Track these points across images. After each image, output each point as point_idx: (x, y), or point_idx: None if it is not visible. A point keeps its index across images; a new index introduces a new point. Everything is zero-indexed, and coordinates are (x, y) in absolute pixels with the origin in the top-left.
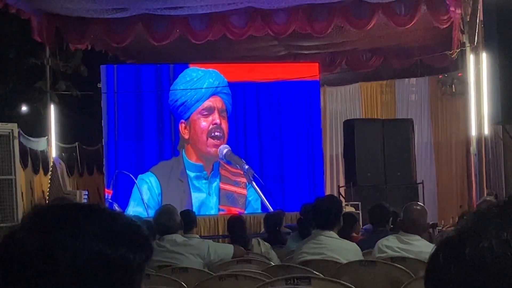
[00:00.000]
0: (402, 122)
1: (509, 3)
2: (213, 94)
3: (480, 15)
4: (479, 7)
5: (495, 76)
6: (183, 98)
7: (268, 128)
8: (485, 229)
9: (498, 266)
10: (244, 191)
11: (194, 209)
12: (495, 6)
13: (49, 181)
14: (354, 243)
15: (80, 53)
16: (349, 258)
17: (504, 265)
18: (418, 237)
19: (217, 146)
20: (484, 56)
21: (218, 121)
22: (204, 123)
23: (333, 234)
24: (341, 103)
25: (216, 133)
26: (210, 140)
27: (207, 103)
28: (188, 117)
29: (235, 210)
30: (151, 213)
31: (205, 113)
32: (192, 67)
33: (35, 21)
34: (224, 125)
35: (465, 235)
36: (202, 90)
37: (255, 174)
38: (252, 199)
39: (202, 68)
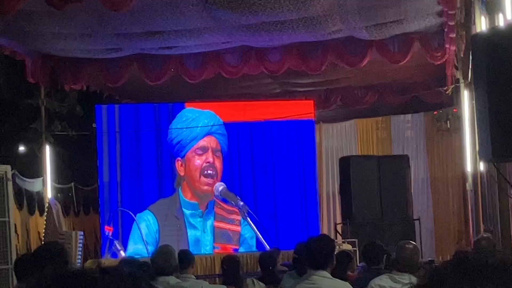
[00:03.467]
0: (397, 159)
1: (498, 39)
2: (208, 134)
3: None
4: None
5: (485, 113)
6: (179, 137)
7: (262, 166)
8: (441, 285)
9: None
10: (238, 228)
11: (190, 245)
12: (484, 41)
13: (45, 222)
14: (347, 283)
15: (76, 94)
16: None
17: None
18: (411, 276)
19: (209, 184)
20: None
21: (211, 159)
22: (198, 161)
23: (326, 274)
24: (337, 140)
25: (209, 171)
26: (203, 178)
27: (202, 142)
28: (184, 155)
29: (230, 247)
30: (151, 249)
31: (199, 152)
32: (188, 107)
33: (29, 62)
34: (218, 164)
35: None
36: (197, 129)
37: (249, 210)
38: (247, 236)
39: (199, 109)
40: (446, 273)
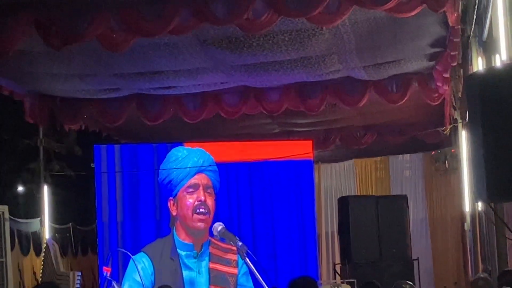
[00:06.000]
0: (396, 199)
1: (493, 79)
2: (198, 172)
3: None
4: None
5: (480, 154)
6: (170, 177)
7: (261, 206)
8: None
9: None
10: (235, 270)
11: (185, 287)
12: (479, 81)
13: (42, 262)
14: None
15: (74, 134)
16: None
17: None
18: None
19: (202, 220)
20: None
21: (202, 198)
22: (189, 200)
23: None
24: (336, 180)
25: (201, 210)
26: (196, 216)
27: (192, 180)
28: (175, 195)
29: None
30: None
31: (190, 190)
32: (187, 147)
33: (28, 102)
34: (210, 202)
35: None
36: (187, 169)
37: (248, 250)
38: (245, 275)
39: (188, 147)
40: None
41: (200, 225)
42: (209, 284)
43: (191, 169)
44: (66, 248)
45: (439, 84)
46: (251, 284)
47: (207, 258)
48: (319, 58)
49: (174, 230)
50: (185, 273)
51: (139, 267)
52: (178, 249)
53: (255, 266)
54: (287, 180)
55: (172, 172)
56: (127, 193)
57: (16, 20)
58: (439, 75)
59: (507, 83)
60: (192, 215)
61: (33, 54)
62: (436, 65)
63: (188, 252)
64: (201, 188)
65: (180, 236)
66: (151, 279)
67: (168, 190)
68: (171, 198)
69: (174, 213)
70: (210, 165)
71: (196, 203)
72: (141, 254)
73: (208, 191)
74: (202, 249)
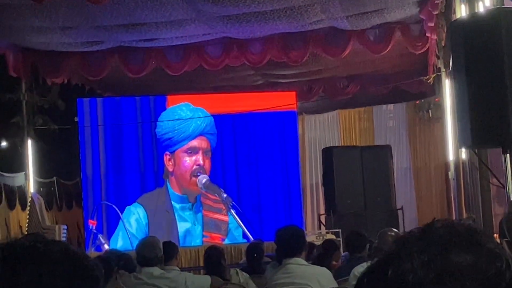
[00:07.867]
0: (380, 149)
1: (476, 25)
2: (200, 135)
3: None
4: None
5: (464, 100)
6: (170, 134)
7: (245, 158)
8: (407, 252)
9: (419, 287)
10: (226, 218)
11: (180, 238)
12: (463, 28)
13: (28, 216)
14: (325, 268)
15: (57, 87)
16: (322, 284)
17: (424, 286)
18: None
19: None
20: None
21: (201, 162)
22: (188, 162)
23: (300, 260)
24: (320, 131)
25: (198, 173)
26: (194, 179)
27: (193, 142)
28: (173, 151)
29: (218, 236)
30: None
31: (190, 152)
32: (170, 99)
33: (11, 56)
34: (207, 165)
35: (389, 257)
36: (190, 129)
37: (233, 202)
38: (232, 226)
39: (192, 106)
40: (413, 240)
41: (196, 187)
42: (203, 231)
43: (194, 131)
44: (51, 202)
45: (428, 34)
46: (237, 224)
47: (201, 209)
48: (302, 8)
49: (168, 182)
50: (181, 224)
51: (133, 218)
52: (173, 202)
53: (240, 217)
54: (271, 131)
55: (174, 129)
56: (111, 146)
57: None
58: (426, 25)
59: (490, 28)
60: (190, 178)
61: (14, 7)
62: (420, 14)
63: (184, 205)
64: (200, 152)
65: (175, 189)
66: (145, 230)
67: (166, 145)
68: (167, 152)
69: (170, 169)
70: (211, 129)
71: (195, 166)
72: (136, 204)
73: (207, 154)
74: (196, 201)
